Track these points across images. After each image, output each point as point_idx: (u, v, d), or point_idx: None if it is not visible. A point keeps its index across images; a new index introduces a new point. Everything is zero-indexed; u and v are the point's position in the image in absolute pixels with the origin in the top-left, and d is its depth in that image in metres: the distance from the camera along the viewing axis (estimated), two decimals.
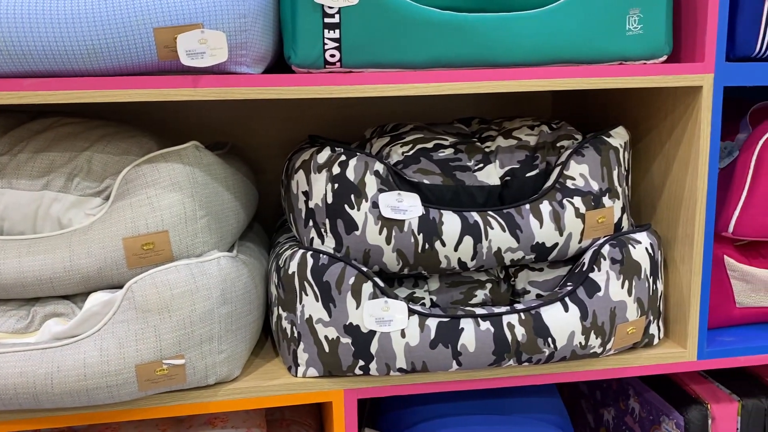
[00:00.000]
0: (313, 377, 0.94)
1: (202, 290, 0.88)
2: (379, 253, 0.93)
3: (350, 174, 0.93)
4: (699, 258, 0.99)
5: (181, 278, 0.87)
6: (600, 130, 1.02)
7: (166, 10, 0.82)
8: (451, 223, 0.93)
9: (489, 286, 1.00)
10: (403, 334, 0.91)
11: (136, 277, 0.87)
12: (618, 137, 1.01)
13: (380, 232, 0.92)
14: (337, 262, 0.91)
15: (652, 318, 0.99)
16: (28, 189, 0.91)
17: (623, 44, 0.92)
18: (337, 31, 0.88)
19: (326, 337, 0.91)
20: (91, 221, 0.90)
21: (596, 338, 0.95)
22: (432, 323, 0.92)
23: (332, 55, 0.88)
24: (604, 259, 0.95)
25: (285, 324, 0.94)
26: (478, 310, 0.93)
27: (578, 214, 0.96)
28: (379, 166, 0.94)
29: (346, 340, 0.91)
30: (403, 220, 0.92)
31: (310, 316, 0.92)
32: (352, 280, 0.90)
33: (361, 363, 0.92)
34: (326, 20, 0.87)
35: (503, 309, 0.94)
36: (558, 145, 1.02)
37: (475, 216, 0.94)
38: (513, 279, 1.02)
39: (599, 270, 0.95)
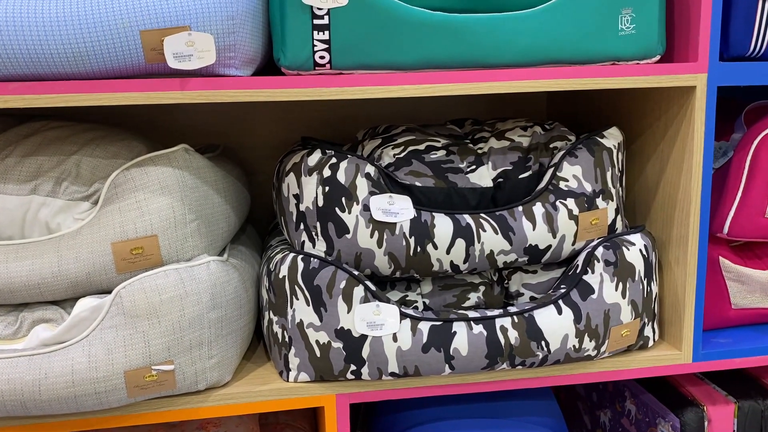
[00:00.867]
0: (305, 382, 0.93)
1: (191, 295, 0.87)
2: (370, 257, 0.92)
3: (341, 177, 0.92)
4: (693, 259, 0.98)
5: (170, 283, 0.86)
6: (593, 131, 1.01)
7: (153, 13, 0.81)
8: (443, 225, 0.92)
9: (482, 288, 0.99)
10: (395, 338, 0.90)
11: (124, 282, 0.86)
12: (611, 138, 1.00)
13: (371, 236, 0.91)
14: (328, 266, 0.90)
15: (646, 320, 0.99)
16: (15, 193, 0.90)
17: (616, 44, 0.91)
18: (327, 32, 0.87)
19: (317, 342, 0.91)
20: (80, 226, 0.89)
21: (590, 341, 0.94)
22: (424, 327, 0.91)
23: (322, 57, 0.87)
24: (598, 261, 0.94)
25: (276, 328, 0.93)
26: (471, 314, 0.93)
27: (571, 216, 0.95)
28: (370, 169, 0.93)
29: (337, 344, 0.90)
30: (395, 223, 0.91)
31: (301, 320, 0.91)
32: (343, 284, 0.90)
33: (353, 368, 0.91)
34: (315, 21, 0.86)
35: (496, 312, 0.93)
36: (551, 146, 1.01)
37: (468, 218, 0.93)
38: (506, 281, 1.01)
39: (593, 272, 0.94)
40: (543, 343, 0.92)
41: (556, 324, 0.92)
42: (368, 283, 0.91)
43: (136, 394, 0.86)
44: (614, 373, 0.99)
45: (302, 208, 0.94)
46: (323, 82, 0.87)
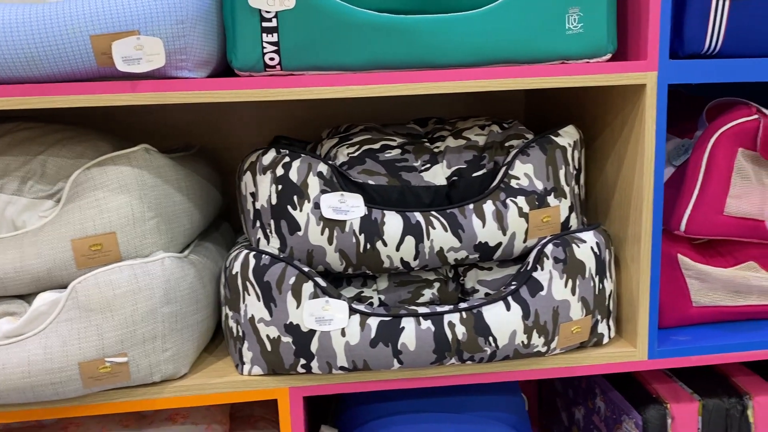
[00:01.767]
0: (258, 375, 0.96)
1: (144, 290, 0.90)
2: (321, 254, 0.94)
3: (293, 175, 0.94)
4: (647, 257, 0.98)
5: (124, 278, 0.89)
6: (549, 130, 1.02)
7: (103, 18, 0.84)
8: (392, 223, 0.94)
9: (437, 285, 1.01)
10: (343, 333, 0.92)
11: (80, 277, 0.90)
12: (567, 136, 1.01)
13: (322, 233, 0.93)
14: (278, 263, 0.93)
15: (599, 317, 0.99)
16: None
17: (563, 43, 0.92)
18: (275, 34, 0.89)
19: (268, 336, 0.93)
20: (43, 223, 0.93)
21: (539, 337, 0.95)
22: (373, 322, 0.93)
23: (271, 59, 0.90)
24: (547, 259, 0.95)
25: (231, 323, 0.96)
26: (421, 309, 0.94)
27: (521, 214, 0.96)
28: (322, 168, 0.95)
29: (287, 339, 0.92)
30: (345, 221, 0.93)
31: (252, 315, 0.93)
32: (292, 281, 0.92)
33: (303, 361, 0.93)
34: (264, 24, 0.89)
35: (446, 308, 0.94)
36: (507, 144, 1.02)
37: (418, 216, 0.95)
38: (462, 278, 1.03)
39: (542, 269, 0.95)
40: (491, 338, 0.93)
41: (504, 320, 0.93)
42: (318, 279, 0.93)
43: (92, 384, 0.89)
44: (567, 369, 1.00)
45: (258, 206, 0.96)
46: (271, 83, 0.89)
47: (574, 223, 1.01)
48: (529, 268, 0.96)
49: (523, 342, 0.94)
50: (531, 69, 0.92)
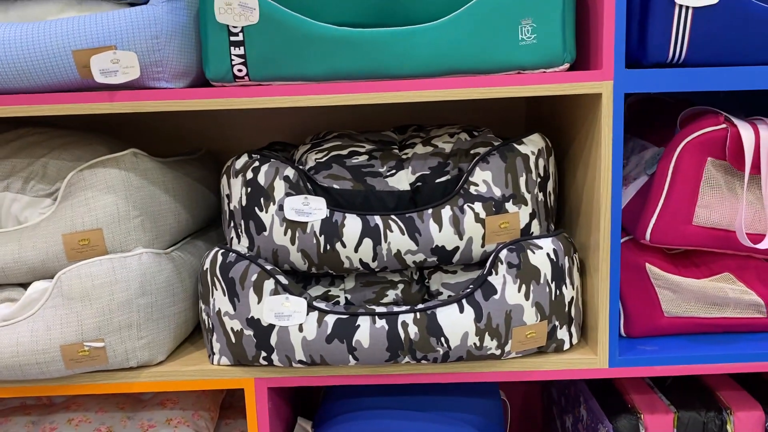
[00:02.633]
0: (226, 365, 1.03)
1: (120, 282, 0.99)
2: (285, 253, 1.00)
3: (261, 179, 1.00)
4: (606, 265, 0.99)
5: (103, 270, 0.98)
6: (514, 138, 1.04)
7: (83, 34, 0.93)
8: (352, 225, 0.98)
9: (401, 286, 1.05)
10: (300, 329, 0.97)
11: (66, 268, 0.99)
12: (530, 144, 1.03)
13: (285, 233, 0.99)
14: (242, 260, 0.99)
15: (557, 323, 1.00)
16: None
17: (517, 54, 0.94)
18: (242, 48, 0.96)
19: (232, 329, 1.00)
20: (40, 219, 1.03)
21: (491, 340, 0.97)
22: (330, 319, 0.98)
23: (240, 70, 0.96)
24: (501, 263, 0.98)
25: (204, 315, 1.04)
26: (378, 309, 0.98)
27: (478, 219, 0.98)
28: (289, 172, 1.01)
29: (248, 332, 0.99)
30: (306, 222, 0.99)
31: (219, 309, 1.00)
32: (254, 277, 0.98)
33: (264, 354, 0.99)
34: (231, 38, 0.95)
35: (402, 308, 0.98)
36: (472, 152, 1.05)
37: (377, 219, 0.99)
38: (427, 280, 1.06)
39: (496, 273, 0.98)
40: (443, 339, 0.96)
41: (456, 321, 0.96)
42: (280, 277, 0.99)
43: (73, 366, 0.98)
44: (525, 373, 1.02)
45: (231, 207, 1.03)
46: (238, 92, 0.96)
47: (536, 229, 1.02)
48: (485, 272, 0.99)
49: (475, 344, 0.97)
50: (487, 79, 0.95)
